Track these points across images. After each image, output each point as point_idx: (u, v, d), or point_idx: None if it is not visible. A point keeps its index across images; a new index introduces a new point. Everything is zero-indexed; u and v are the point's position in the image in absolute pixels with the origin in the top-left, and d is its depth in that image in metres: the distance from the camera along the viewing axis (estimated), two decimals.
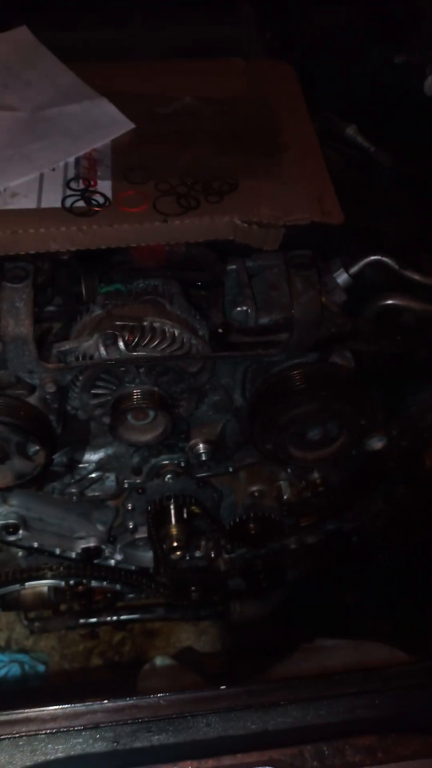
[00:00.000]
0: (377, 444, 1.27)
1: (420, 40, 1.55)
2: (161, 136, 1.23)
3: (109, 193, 1.11)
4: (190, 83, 1.34)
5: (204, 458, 1.19)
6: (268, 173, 1.17)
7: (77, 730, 0.79)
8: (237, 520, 1.44)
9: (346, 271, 1.15)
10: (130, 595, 1.70)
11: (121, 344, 1.01)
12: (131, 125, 1.24)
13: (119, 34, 1.46)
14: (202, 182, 1.13)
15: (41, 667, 2.21)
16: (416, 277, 1.15)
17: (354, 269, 1.15)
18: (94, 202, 1.09)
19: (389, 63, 1.64)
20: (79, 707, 0.82)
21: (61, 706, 0.81)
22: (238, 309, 1.07)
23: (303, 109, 1.32)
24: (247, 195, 1.13)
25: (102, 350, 1.02)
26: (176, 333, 1.05)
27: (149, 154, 1.19)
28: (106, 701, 0.82)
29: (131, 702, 0.82)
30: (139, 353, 1.02)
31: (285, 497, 1.39)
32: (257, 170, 1.17)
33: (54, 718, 0.80)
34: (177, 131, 1.24)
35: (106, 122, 1.25)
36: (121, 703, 0.82)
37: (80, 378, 1.06)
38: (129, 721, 0.80)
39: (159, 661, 1.68)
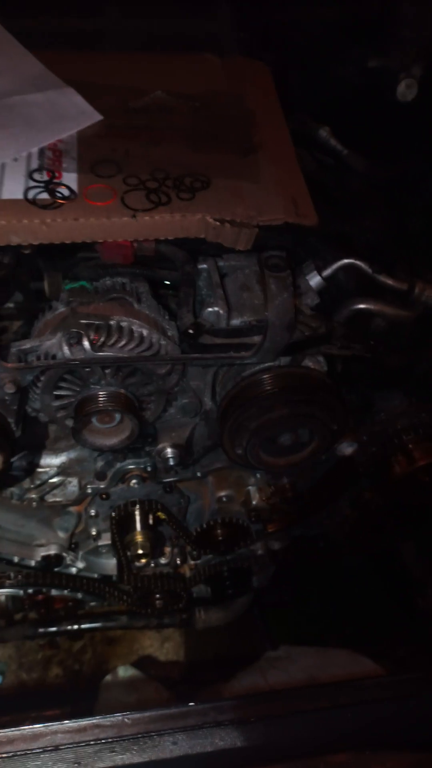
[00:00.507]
0: (348, 449, 1.25)
1: (395, 45, 1.55)
2: (132, 130, 1.18)
3: (74, 186, 1.06)
4: (163, 77, 1.30)
5: (172, 463, 1.16)
6: (242, 172, 1.15)
7: (36, 753, 0.75)
8: (204, 525, 1.41)
9: (319, 274, 1.14)
10: (92, 603, 1.65)
11: (86, 344, 0.97)
12: (99, 117, 1.19)
13: (91, 22, 1.41)
14: (174, 178, 1.10)
15: None
16: (389, 281, 1.14)
17: (327, 272, 1.14)
18: (58, 195, 1.04)
19: (364, 67, 1.64)
20: (37, 728, 0.77)
21: (18, 728, 0.76)
22: (210, 309, 1.04)
23: (278, 110, 1.30)
24: (220, 193, 1.09)
25: (65, 350, 0.97)
26: (144, 333, 1.01)
27: (118, 148, 1.14)
28: (66, 721, 0.77)
29: (93, 721, 0.78)
30: (106, 353, 0.98)
31: (253, 503, 1.37)
32: (231, 169, 1.14)
33: (11, 740, 0.75)
34: (148, 125, 1.20)
35: (73, 113, 1.20)
36: (83, 722, 0.77)
37: (42, 378, 1.01)
38: (91, 742, 0.76)
39: (122, 671, 1.64)
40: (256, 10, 1.61)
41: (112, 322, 1.00)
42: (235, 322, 1.05)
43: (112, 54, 1.35)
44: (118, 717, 0.77)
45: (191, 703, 0.78)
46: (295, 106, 1.53)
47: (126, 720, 0.78)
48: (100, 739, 0.75)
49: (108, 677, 1.63)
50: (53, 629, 1.67)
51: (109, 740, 0.76)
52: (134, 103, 1.23)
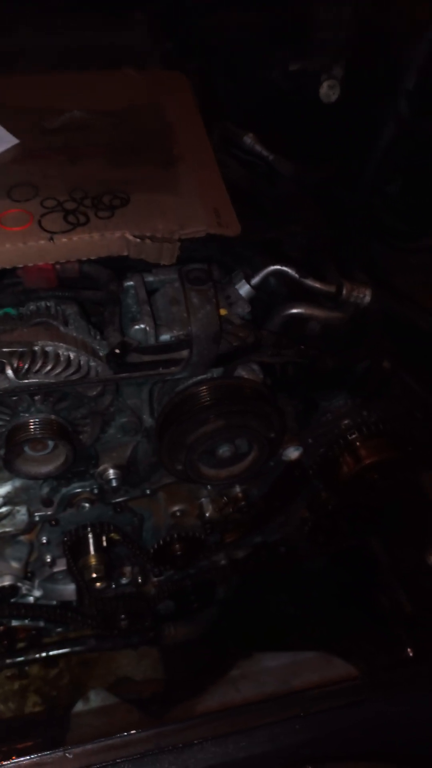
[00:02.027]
0: (293, 454, 1.25)
1: (314, 48, 1.56)
2: (49, 151, 1.17)
3: None
4: (80, 95, 1.29)
5: (114, 483, 1.14)
6: (162, 186, 1.14)
7: None
8: (160, 542, 1.40)
9: (248, 282, 1.13)
10: (58, 629, 1.62)
11: (9, 372, 0.95)
12: (15, 141, 1.18)
13: (3, 43, 1.39)
14: (92, 197, 1.09)
15: None
16: (316, 285, 1.14)
17: (255, 280, 1.13)
18: None
19: (287, 70, 1.65)
20: None
21: None
22: (136, 327, 1.03)
23: (197, 120, 1.29)
24: (140, 209, 1.09)
25: None
26: (71, 356, 1.00)
27: (35, 170, 1.13)
28: (5, 762, 0.75)
29: (34, 759, 0.76)
30: (31, 380, 0.96)
31: (207, 514, 1.36)
32: (151, 183, 1.14)
33: None
34: (66, 145, 1.18)
35: None
36: (22, 762, 0.75)
37: None
38: None
39: (93, 696, 1.61)
40: (175, 20, 1.61)
41: (36, 348, 0.98)
42: (165, 337, 1.04)
43: (26, 75, 1.33)
44: (59, 753, 0.76)
45: (133, 731, 0.77)
46: (222, 114, 1.54)
47: (67, 755, 0.76)
48: None
49: (79, 704, 1.60)
50: (20, 659, 1.64)
51: None
52: (50, 124, 1.22)
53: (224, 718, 0.84)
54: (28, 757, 0.75)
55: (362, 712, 0.92)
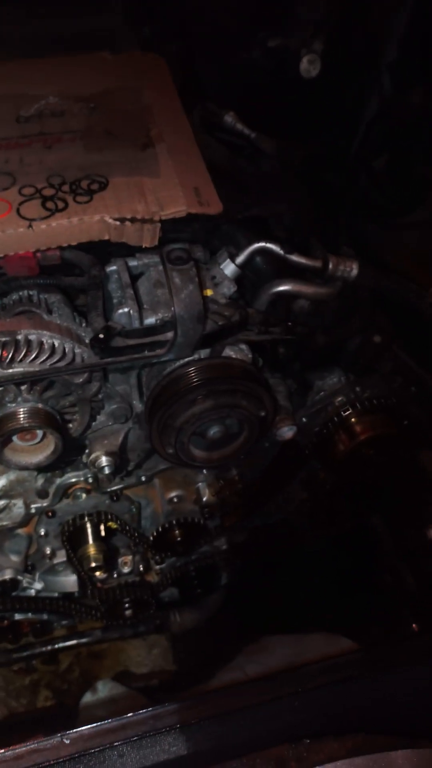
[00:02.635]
0: (288, 433, 1.23)
1: (293, 24, 1.54)
2: (25, 139, 1.16)
3: None
4: (55, 81, 1.27)
5: (108, 471, 1.13)
6: (141, 168, 1.12)
7: None
8: (159, 529, 1.39)
9: (233, 261, 1.12)
10: (63, 622, 1.62)
11: None
12: None
13: None
14: (70, 182, 1.07)
15: None
16: (303, 260, 1.12)
17: (240, 259, 1.12)
18: None
19: (267, 48, 1.63)
20: None
21: None
22: (120, 311, 1.01)
23: (175, 101, 1.28)
24: (119, 192, 1.07)
25: None
26: (55, 343, 0.99)
27: (12, 159, 1.11)
28: (2, 750, 0.75)
29: (31, 747, 0.75)
30: (15, 369, 0.95)
31: (204, 499, 1.35)
32: (129, 165, 1.12)
33: None
34: (42, 132, 1.17)
35: None
36: (19, 750, 0.75)
37: None
38: None
39: (101, 686, 1.62)
40: (151, 3, 1.59)
41: (19, 337, 0.97)
42: (150, 320, 1.03)
43: (0, 62, 1.32)
44: (55, 738, 0.75)
45: (130, 714, 0.76)
46: (203, 95, 1.52)
47: (65, 740, 0.75)
48: (37, 764, 0.73)
49: (87, 695, 1.61)
50: (26, 653, 1.64)
51: (48, 764, 0.74)
52: (26, 111, 1.21)
53: (224, 696, 0.84)
54: (25, 744, 0.75)
55: (364, 686, 0.91)
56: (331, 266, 1.12)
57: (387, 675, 1.07)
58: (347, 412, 1.27)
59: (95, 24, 1.47)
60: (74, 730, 0.75)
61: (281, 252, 1.12)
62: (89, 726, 0.76)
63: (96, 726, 0.76)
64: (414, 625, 1.39)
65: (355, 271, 1.13)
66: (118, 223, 1.03)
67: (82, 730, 0.75)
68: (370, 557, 1.66)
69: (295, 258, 1.13)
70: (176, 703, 0.81)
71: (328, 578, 1.71)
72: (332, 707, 0.83)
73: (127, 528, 1.34)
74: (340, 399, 1.28)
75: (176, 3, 1.64)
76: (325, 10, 1.52)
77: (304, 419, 1.29)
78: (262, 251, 1.14)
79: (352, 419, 1.27)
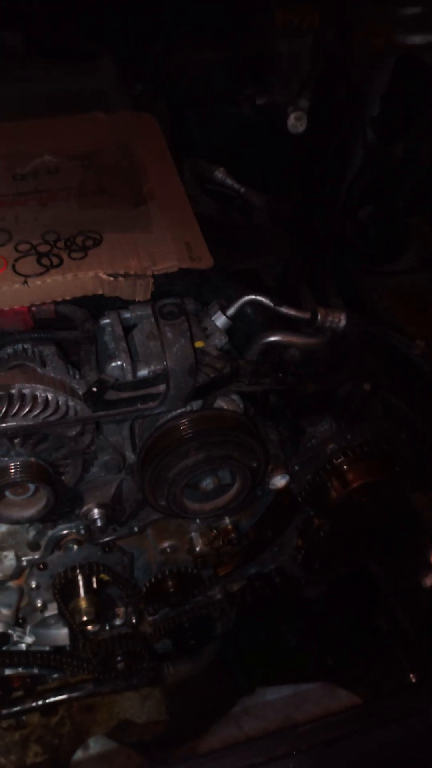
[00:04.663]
0: (281, 482, 1.24)
1: (278, 81, 1.61)
2: (21, 196, 1.19)
3: None
4: (50, 140, 1.31)
5: (100, 523, 1.13)
6: (134, 224, 1.15)
7: None
8: (152, 579, 1.37)
9: (224, 313, 1.14)
10: (54, 675, 1.58)
11: None
12: None
13: None
14: (65, 239, 1.10)
15: None
16: (291, 312, 1.15)
17: (231, 311, 1.14)
18: None
19: (254, 104, 1.69)
20: None
21: None
22: (113, 364, 1.03)
23: (167, 158, 1.32)
24: (113, 248, 1.10)
25: None
26: (49, 397, 0.99)
27: (8, 216, 1.14)
28: None
29: None
30: (9, 423, 0.96)
31: (198, 549, 1.34)
32: (123, 222, 1.15)
33: None
34: (37, 189, 1.20)
35: None
36: None
37: None
38: None
39: (93, 743, 1.57)
40: (142, 64, 1.65)
41: (13, 391, 0.98)
42: (143, 372, 1.04)
43: None
44: None
45: None
46: (193, 151, 1.57)
47: None
48: None
49: (79, 752, 1.56)
50: (16, 708, 1.60)
51: None
52: (22, 169, 1.24)
53: (219, 758, 0.82)
54: None
55: (361, 741, 0.89)
56: (319, 318, 1.15)
57: (384, 729, 1.05)
58: (339, 460, 1.27)
59: (89, 85, 1.53)
60: None
61: (270, 304, 1.14)
62: None
63: None
64: (411, 675, 1.37)
65: (343, 323, 1.15)
66: (111, 278, 1.05)
67: None
68: (367, 603, 1.64)
69: (284, 310, 1.15)
70: (173, 764, 0.78)
71: (326, 624, 1.68)
72: (328, 765, 0.82)
73: (120, 580, 1.32)
74: (331, 446, 1.29)
75: (165, 62, 1.71)
76: (309, 69, 1.59)
77: (296, 467, 1.29)
78: (253, 303, 1.16)
79: (344, 467, 1.27)
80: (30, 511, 1.04)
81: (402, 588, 1.58)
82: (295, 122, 1.57)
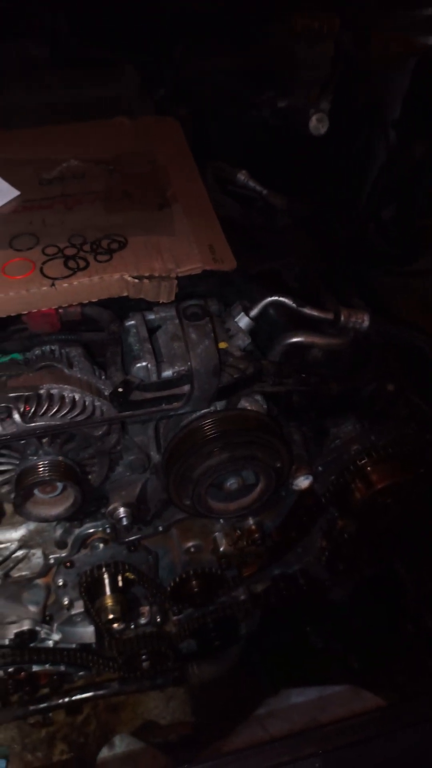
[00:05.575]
0: (304, 483, 1.24)
1: (298, 85, 1.61)
2: (47, 200, 1.21)
3: None
4: (75, 145, 1.34)
5: (125, 522, 1.14)
6: (158, 227, 1.17)
7: None
8: (177, 579, 1.39)
9: (247, 314, 1.15)
10: (80, 673, 1.60)
11: (16, 416, 0.96)
12: (16, 192, 1.22)
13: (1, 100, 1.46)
14: (91, 242, 1.12)
15: (2, 762, 2.06)
16: (314, 313, 1.15)
17: (254, 312, 1.15)
18: None
19: (276, 108, 1.70)
20: None
21: None
22: (138, 365, 1.04)
23: (190, 161, 1.33)
24: (138, 250, 1.12)
25: None
26: (76, 397, 1.01)
27: (36, 220, 1.17)
28: None
29: None
30: (37, 423, 0.98)
31: (221, 549, 1.35)
32: (146, 225, 1.17)
33: None
34: (63, 193, 1.23)
35: None
36: None
37: None
38: None
39: (118, 741, 1.58)
40: (164, 69, 1.67)
41: (41, 391, 1.00)
42: (167, 373, 1.06)
43: (24, 129, 1.39)
44: None
45: None
46: (215, 154, 1.58)
47: None
48: None
49: (104, 750, 1.57)
50: (43, 705, 1.62)
51: None
52: (48, 174, 1.27)
53: (245, 757, 0.82)
54: None
55: (386, 743, 0.89)
56: (343, 318, 1.15)
57: (410, 731, 1.05)
58: (363, 461, 1.27)
59: (112, 91, 1.56)
60: None
61: (293, 305, 1.15)
62: None
63: None
64: None
65: (366, 323, 1.15)
66: (136, 280, 1.07)
67: None
68: (393, 606, 1.63)
69: (307, 311, 1.16)
70: (198, 764, 0.79)
71: (352, 626, 1.68)
72: (354, 766, 0.82)
73: (145, 579, 1.33)
74: (355, 447, 1.28)
75: (186, 68, 1.73)
76: (329, 73, 1.59)
77: (320, 468, 1.29)
78: (275, 304, 1.17)
79: (369, 468, 1.27)
80: (58, 510, 1.06)
81: (428, 590, 1.57)
82: (317, 124, 1.58)
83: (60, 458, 1.02)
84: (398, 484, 1.27)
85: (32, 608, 1.33)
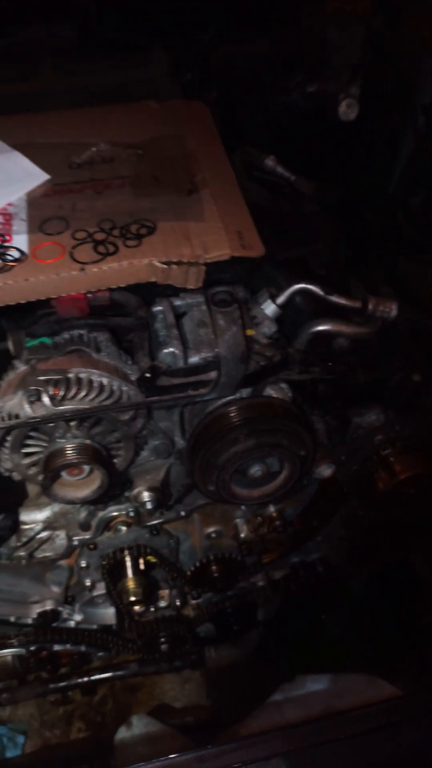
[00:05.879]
0: (326, 471, 1.24)
1: (329, 70, 1.59)
2: (77, 185, 1.21)
3: (25, 247, 1.09)
4: (105, 129, 1.33)
5: (150, 506, 1.15)
6: (187, 212, 1.17)
7: None
8: (197, 564, 1.40)
9: (274, 302, 1.15)
10: (100, 654, 1.63)
11: (46, 399, 0.98)
12: (46, 176, 1.22)
13: (28, 85, 1.46)
14: (120, 227, 1.12)
15: (21, 738, 2.11)
16: (342, 301, 1.14)
17: (281, 299, 1.14)
18: (9, 257, 1.06)
19: (305, 92, 1.68)
20: None
21: None
22: (165, 351, 1.04)
23: (218, 146, 1.32)
24: (166, 236, 1.11)
25: (27, 408, 0.98)
26: (104, 382, 1.02)
27: (65, 204, 1.17)
28: None
29: None
30: (66, 407, 0.99)
31: (242, 535, 1.36)
32: (176, 210, 1.17)
33: None
34: (93, 178, 1.23)
35: (21, 175, 1.23)
36: None
37: (8, 438, 1.02)
38: None
39: (136, 721, 1.61)
40: (193, 53, 1.66)
41: (70, 375, 1.01)
42: (194, 359, 1.06)
43: (54, 113, 1.39)
44: None
45: (172, 755, 0.77)
46: (243, 139, 1.57)
47: None
48: None
49: (122, 730, 1.60)
50: (63, 684, 1.65)
51: None
52: (78, 158, 1.27)
53: (264, 741, 0.83)
54: None
55: (403, 732, 0.90)
56: (370, 307, 1.14)
57: (426, 721, 1.05)
58: (386, 451, 1.26)
59: (141, 75, 1.55)
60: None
61: (321, 293, 1.14)
62: (134, 766, 0.76)
63: (140, 766, 0.77)
64: None
65: (394, 312, 1.14)
66: (165, 266, 1.07)
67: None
68: (410, 596, 1.63)
69: (334, 299, 1.15)
70: (218, 746, 0.81)
71: (369, 616, 1.68)
72: (372, 754, 0.82)
73: (166, 562, 1.35)
74: (379, 437, 1.28)
75: (215, 52, 1.72)
76: (360, 55, 1.57)
77: (343, 457, 1.29)
78: (303, 292, 1.16)
79: (392, 458, 1.26)
80: (84, 492, 1.07)
81: None
82: (347, 109, 1.56)
83: (88, 441, 1.03)
84: (422, 474, 1.26)
85: (55, 588, 1.36)
